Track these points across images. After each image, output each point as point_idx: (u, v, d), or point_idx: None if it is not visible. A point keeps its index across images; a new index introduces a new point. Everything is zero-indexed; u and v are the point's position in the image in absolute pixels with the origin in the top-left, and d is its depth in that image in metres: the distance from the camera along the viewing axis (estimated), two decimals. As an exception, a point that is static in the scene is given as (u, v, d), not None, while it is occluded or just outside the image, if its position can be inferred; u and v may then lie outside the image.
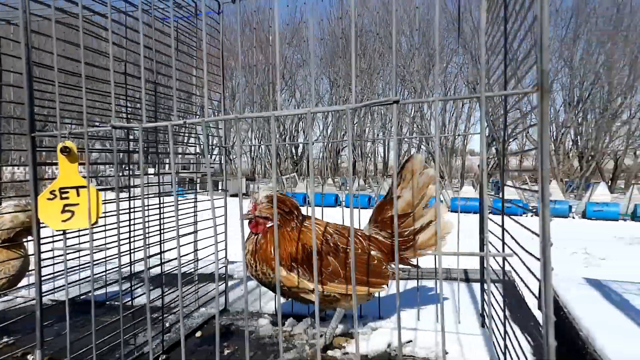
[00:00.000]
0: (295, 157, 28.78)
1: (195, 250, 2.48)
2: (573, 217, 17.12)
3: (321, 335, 2.02)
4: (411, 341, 1.98)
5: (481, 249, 2.01)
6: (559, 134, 28.38)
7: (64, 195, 1.35)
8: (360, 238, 2.01)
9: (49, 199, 1.36)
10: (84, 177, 1.36)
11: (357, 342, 1.13)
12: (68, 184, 1.34)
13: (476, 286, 2.87)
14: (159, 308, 2.01)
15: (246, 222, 2.02)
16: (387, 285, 2.02)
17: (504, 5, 1.54)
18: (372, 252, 1.97)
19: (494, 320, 1.88)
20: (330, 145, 30.81)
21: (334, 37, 31.75)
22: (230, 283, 2.77)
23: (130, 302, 2.15)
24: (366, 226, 2.12)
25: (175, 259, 1.31)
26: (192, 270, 2.53)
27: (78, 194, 1.34)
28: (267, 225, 1.96)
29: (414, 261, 2.07)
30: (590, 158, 26.45)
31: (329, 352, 1.93)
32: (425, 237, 2.00)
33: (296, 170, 27.33)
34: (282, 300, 2.35)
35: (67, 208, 1.34)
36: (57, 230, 1.41)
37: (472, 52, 28.73)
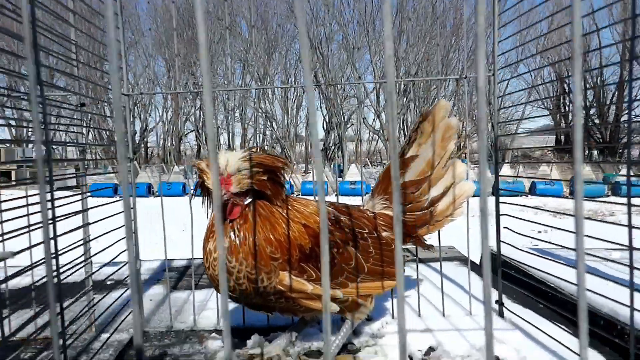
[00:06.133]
0: (133, 143, 25.68)
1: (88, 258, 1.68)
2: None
3: (318, 355, 1.44)
4: (433, 349, 1.54)
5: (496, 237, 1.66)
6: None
7: None
8: (367, 217, 1.47)
9: None
10: None
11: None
12: None
13: (459, 269, 2.51)
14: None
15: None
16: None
17: None
18: (384, 234, 1.45)
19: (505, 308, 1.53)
20: (172, 129, 28.48)
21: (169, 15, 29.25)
22: (122, 292, 1.96)
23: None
24: (367, 199, 1.59)
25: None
26: (85, 276, 1.72)
27: None
28: (245, 203, 1.30)
29: (427, 239, 1.61)
30: (416, 142, 29.45)
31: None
32: (444, 205, 1.55)
33: (135, 159, 24.48)
34: (231, 305, 1.71)
35: None
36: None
37: (311, 41, 29.28)
